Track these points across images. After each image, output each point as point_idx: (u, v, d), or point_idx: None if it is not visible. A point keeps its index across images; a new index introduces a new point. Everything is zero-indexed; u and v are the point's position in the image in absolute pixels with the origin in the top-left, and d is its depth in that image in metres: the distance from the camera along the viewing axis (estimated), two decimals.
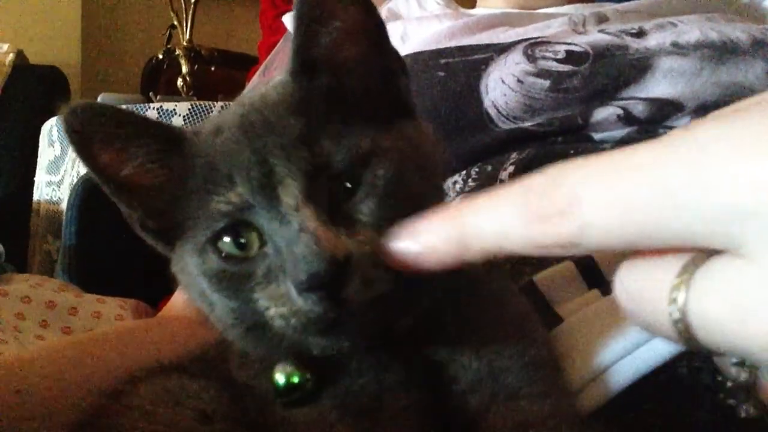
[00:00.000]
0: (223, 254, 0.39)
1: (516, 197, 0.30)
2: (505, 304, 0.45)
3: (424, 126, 0.46)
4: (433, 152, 0.45)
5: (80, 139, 0.41)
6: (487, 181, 0.69)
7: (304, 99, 0.41)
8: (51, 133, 1.98)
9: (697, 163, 0.25)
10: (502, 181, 0.68)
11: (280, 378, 0.40)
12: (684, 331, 0.26)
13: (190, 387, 0.43)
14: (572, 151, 0.68)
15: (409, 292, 0.39)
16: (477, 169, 0.72)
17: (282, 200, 0.37)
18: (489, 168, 0.71)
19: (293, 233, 0.36)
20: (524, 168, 0.68)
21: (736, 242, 0.24)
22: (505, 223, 0.30)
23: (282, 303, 0.37)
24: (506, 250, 0.31)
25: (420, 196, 0.40)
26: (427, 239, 0.34)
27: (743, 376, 0.36)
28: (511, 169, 0.68)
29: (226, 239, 0.39)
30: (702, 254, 0.27)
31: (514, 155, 0.70)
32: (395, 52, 0.45)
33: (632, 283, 0.29)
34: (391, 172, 0.39)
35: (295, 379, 0.40)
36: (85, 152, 0.42)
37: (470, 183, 0.71)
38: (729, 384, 0.44)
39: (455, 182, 0.73)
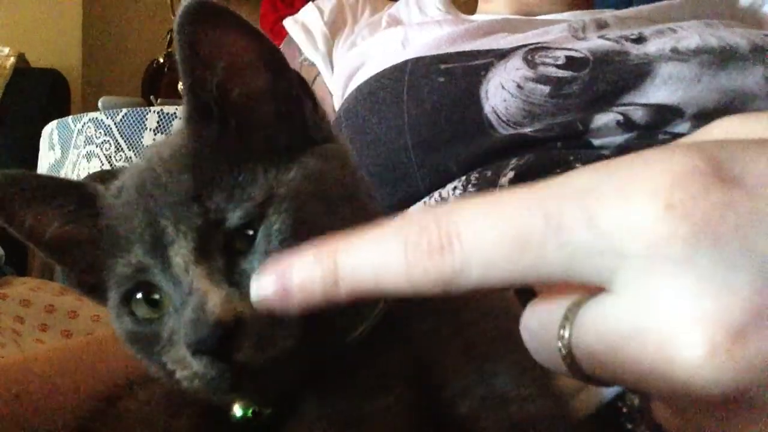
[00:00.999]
0: (136, 315, 0.39)
1: (395, 233, 0.29)
2: (492, 307, 0.44)
3: (339, 150, 0.44)
4: (346, 179, 0.43)
5: (3, 209, 0.42)
6: (486, 187, 0.69)
7: (196, 150, 0.39)
8: (51, 137, 1.98)
9: (575, 204, 0.26)
10: (501, 186, 0.68)
11: (237, 411, 0.40)
12: (572, 365, 0.27)
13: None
14: (572, 157, 0.68)
15: (325, 340, 0.38)
16: (477, 175, 0.72)
17: (173, 260, 0.37)
18: (489, 173, 0.71)
19: (184, 293, 0.36)
20: (524, 174, 0.68)
21: (609, 278, 0.25)
22: (381, 259, 0.29)
23: (183, 366, 0.37)
24: (382, 288, 0.29)
25: (332, 226, 0.37)
26: (294, 275, 0.31)
27: (636, 400, 0.36)
28: (510, 174, 0.68)
29: (139, 297, 0.39)
30: (587, 293, 0.27)
31: (513, 161, 0.70)
32: (296, 77, 0.43)
33: (531, 322, 0.30)
34: (287, 219, 0.37)
35: (251, 412, 0.40)
36: (9, 220, 0.43)
37: (470, 189, 0.71)
38: (624, 409, 0.45)
39: (455, 188, 0.73)
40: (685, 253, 0.24)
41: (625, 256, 0.25)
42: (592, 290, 0.27)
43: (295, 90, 0.43)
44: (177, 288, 0.37)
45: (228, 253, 0.37)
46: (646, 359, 0.25)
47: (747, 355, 0.23)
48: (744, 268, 0.23)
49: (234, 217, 0.37)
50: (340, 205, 0.40)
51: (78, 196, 0.43)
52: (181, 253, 0.37)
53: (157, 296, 0.39)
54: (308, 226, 0.38)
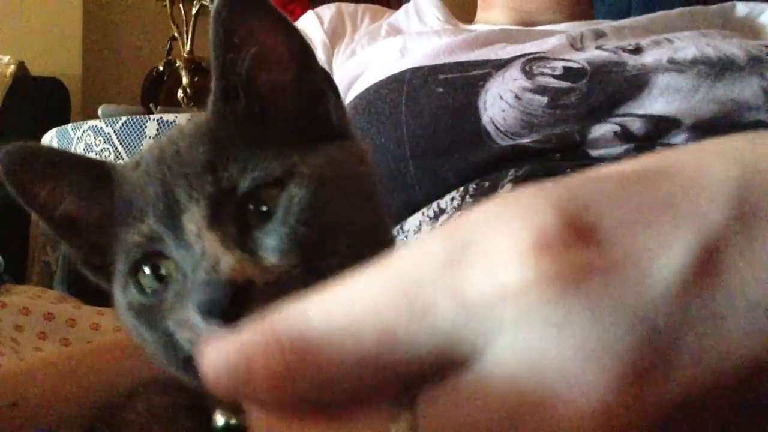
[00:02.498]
0: (143, 287, 0.39)
1: (247, 356, 0.25)
2: None
3: (359, 148, 0.44)
4: (367, 176, 0.43)
5: (16, 179, 0.43)
6: (484, 198, 0.69)
7: (217, 126, 0.40)
8: (51, 144, 1.99)
9: (440, 279, 0.24)
10: None
11: (219, 420, 0.39)
12: None
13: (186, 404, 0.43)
14: (569, 169, 0.68)
15: None
16: (475, 186, 0.72)
17: (185, 227, 0.37)
18: (487, 184, 0.71)
19: (196, 259, 0.36)
20: (522, 183, 0.68)
21: (481, 350, 0.24)
22: (250, 380, 0.25)
23: (187, 328, 0.36)
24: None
25: (347, 223, 0.39)
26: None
27: None
28: (508, 186, 0.69)
29: (146, 271, 0.39)
30: (408, 387, 0.25)
31: (512, 172, 0.70)
32: (322, 72, 0.44)
33: None
34: (308, 196, 0.37)
35: (233, 421, 0.39)
36: (22, 192, 0.43)
37: (468, 200, 0.72)
38: None
39: (453, 199, 0.74)
40: (559, 317, 0.22)
41: (498, 325, 0.23)
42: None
43: (320, 84, 0.44)
44: (189, 254, 0.37)
45: (241, 224, 0.37)
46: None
47: (640, 408, 0.22)
48: (619, 328, 0.22)
49: (247, 185, 0.38)
50: (356, 201, 0.41)
51: (94, 173, 0.43)
52: (194, 219, 0.37)
53: (164, 271, 0.39)
54: (327, 209, 0.38)
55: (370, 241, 0.39)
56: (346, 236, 0.38)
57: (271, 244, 0.36)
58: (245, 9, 0.40)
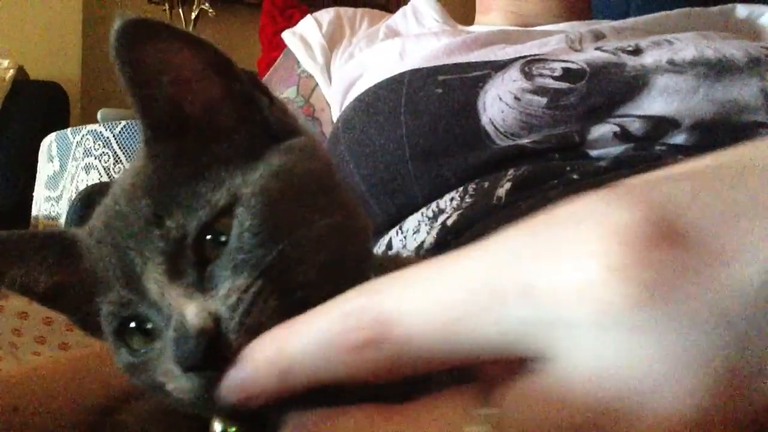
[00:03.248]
0: (132, 347, 0.39)
1: (328, 325, 0.28)
2: None
3: (306, 143, 0.43)
4: (319, 170, 0.42)
5: None
6: (483, 198, 0.70)
7: (155, 172, 0.39)
8: (50, 149, 1.99)
9: (513, 273, 0.24)
10: (499, 197, 0.68)
11: (216, 427, 0.39)
12: None
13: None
14: (569, 168, 0.68)
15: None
16: (474, 186, 0.72)
17: (148, 289, 0.37)
18: (486, 185, 0.71)
19: (166, 316, 0.36)
20: (521, 185, 0.68)
21: (551, 350, 0.24)
22: (324, 352, 0.28)
23: (170, 379, 0.36)
24: (328, 378, 0.28)
25: (305, 226, 0.37)
26: (249, 367, 0.31)
27: None
28: (507, 186, 0.68)
29: (132, 328, 0.39)
30: (489, 385, 0.26)
31: (511, 172, 0.70)
32: (247, 76, 0.42)
33: None
34: (257, 215, 0.36)
35: (232, 429, 0.38)
36: (1, 281, 0.42)
37: (467, 200, 0.71)
38: None
39: (452, 199, 0.73)
40: (641, 319, 0.22)
41: (569, 325, 0.23)
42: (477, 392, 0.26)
43: (248, 89, 0.42)
44: (159, 313, 0.36)
45: (201, 265, 0.36)
46: None
47: (732, 413, 0.21)
48: (707, 330, 0.21)
49: (194, 225, 0.36)
50: (315, 197, 0.39)
51: (58, 246, 0.43)
52: (153, 279, 0.36)
53: (150, 325, 0.38)
54: (281, 221, 0.37)
55: (337, 236, 0.39)
56: (308, 240, 0.37)
57: (226, 273, 0.35)
58: (145, 38, 0.38)
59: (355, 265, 0.39)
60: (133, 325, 0.38)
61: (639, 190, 0.24)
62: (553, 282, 0.23)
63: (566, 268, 0.23)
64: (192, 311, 0.34)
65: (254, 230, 0.36)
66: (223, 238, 0.37)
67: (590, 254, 0.23)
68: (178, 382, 0.36)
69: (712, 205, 0.23)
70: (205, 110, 0.40)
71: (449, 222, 0.70)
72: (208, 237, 0.37)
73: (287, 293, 0.35)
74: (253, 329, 0.33)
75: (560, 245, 0.24)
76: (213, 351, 0.33)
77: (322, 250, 0.37)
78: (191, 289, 0.36)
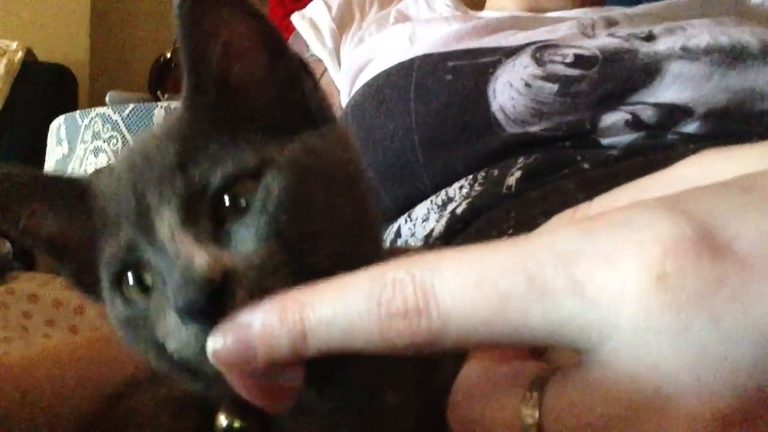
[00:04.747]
0: (129, 298, 0.38)
1: (366, 291, 0.28)
2: None
3: (341, 132, 0.43)
4: (348, 162, 0.41)
5: None
6: (493, 186, 0.69)
7: (189, 122, 0.39)
8: (59, 132, 1.99)
9: (559, 268, 0.25)
10: (509, 186, 0.68)
11: (222, 421, 0.38)
12: None
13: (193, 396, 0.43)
14: (579, 157, 0.67)
15: None
16: (484, 174, 0.72)
17: (158, 230, 0.36)
18: (496, 173, 0.70)
19: (171, 261, 0.34)
20: (531, 173, 0.67)
21: (595, 347, 0.25)
22: (352, 319, 0.28)
23: (173, 336, 0.35)
24: (353, 347, 0.28)
25: (328, 210, 0.37)
26: (255, 330, 0.30)
27: None
28: (518, 174, 0.68)
29: (130, 281, 0.38)
30: (545, 368, 0.27)
31: (521, 160, 0.69)
32: (296, 57, 0.43)
33: (473, 411, 0.28)
34: (286, 185, 0.36)
35: (236, 424, 0.38)
36: (5, 219, 0.42)
37: (476, 188, 0.71)
38: None
39: (461, 187, 0.73)
40: (681, 325, 0.23)
41: (615, 325, 0.24)
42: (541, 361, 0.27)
43: (294, 70, 0.42)
44: (164, 257, 0.35)
45: (217, 220, 0.36)
46: None
47: (751, 421, 0.23)
48: (743, 342, 0.23)
49: (218, 178, 0.36)
50: (339, 188, 0.39)
51: (71, 191, 0.42)
52: (166, 221, 0.35)
53: (148, 278, 0.37)
54: (306, 199, 0.37)
55: (354, 228, 0.38)
56: (329, 224, 0.37)
57: (248, 234, 0.35)
58: (210, 3, 0.38)
59: (365, 257, 0.39)
60: (131, 277, 0.38)
61: (691, 203, 0.25)
62: (603, 284, 0.24)
63: (618, 272, 0.24)
64: (202, 258, 0.33)
65: (282, 198, 0.36)
66: (243, 202, 0.36)
67: (640, 262, 0.24)
68: (177, 336, 0.35)
69: (759, 221, 0.24)
70: (249, 83, 0.40)
71: (458, 210, 0.70)
72: (227, 198, 0.36)
73: (301, 271, 0.34)
74: (262, 294, 0.32)
75: (614, 249, 0.25)
76: (217, 304, 0.32)
77: (340, 238, 0.37)
78: (204, 239, 0.35)
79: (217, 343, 0.31)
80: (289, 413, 0.38)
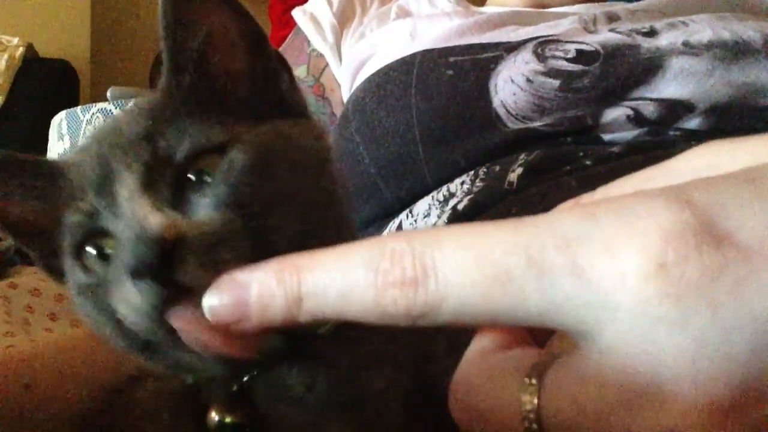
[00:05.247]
0: (88, 268, 0.38)
1: (364, 259, 0.27)
2: None
3: (316, 126, 0.43)
4: (319, 151, 0.42)
5: None
6: (494, 182, 0.69)
7: (164, 101, 0.39)
8: (60, 127, 1.99)
9: (560, 250, 0.25)
10: (510, 183, 0.68)
11: (213, 417, 0.38)
12: None
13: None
14: (581, 153, 0.67)
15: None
16: (485, 170, 0.72)
17: (118, 193, 0.36)
18: (497, 168, 0.70)
19: (127, 222, 0.34)
20: (532, 169, 0.67)
21: (592, 330, 0.25)
22: (349, 285, 0.27)
23: (125, 301, 0.34)
24: (347, 314, 0.28)
25: (293, 190, 0.37)
26: (252, 291, 0.30)
27: None
28: (519, 170, 0.68)
29: (90, 251, 0.38)
30: (546, 356, 0.27)
31: (522, 156, 0.69)
32: (275, 53, 0.44)
33: (473, 398, 0.28)
34: (249, 161, 0.36)
35: (228, 419, 0.38)
36: None
37: (478, 183, 0.71)
38: None
39: (462, 182, 0.73)
40: (680, 314, 0.23)
41: (613, 310, 0.24)
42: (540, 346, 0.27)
43: (274, 64, 0.43)
44: (120, 220, 0.35)
45: (179, 190, 0.36)
46: (638, 425, 0.24)
47: (748, 422, 0.23)
48: (741, 331, 0.23)
49: (184, 148, 0.36)
50: (304, 173, 0.39)
51: (41, 173, 0.42)
52: (125, 184, 0.36)
53: (108, 250, 0.37)
54: (268, 177, 0.37)
55: (316, 211, 0.38)
56: (289, 203, 0.37)
57: (206, 203, 0.35)
58: None
59: (329, 243, 0.39)
60: (91, 250, 0.37)
61: (694, 193, 0.25)
62: (603, 270, 0.24)
63: (619, 259, 0.24)
64: (157, 219, 0.33)
65: (244, 172, 0.36)
66: (207, 179, 0.36)
67: (641, 249, 0.24)
68: (127, 299, 0.34)
69: (761, 212, 0.24)
70: (226, 72, 0.41)
71: (460, 206, 0.70)
72: (192, 171, 0.36)
73: (258, 247, 0.34)
74: (214, 263, 0.32)
75: (616, 235, 0.25)
76: (166, 266, 0.32)
77: (301, 219, 0.37)
78: (162, 204, 0.35)
79: (213, 300, 0.31)
80: (278, 406, 0.39)
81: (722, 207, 0.25)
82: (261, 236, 0.35)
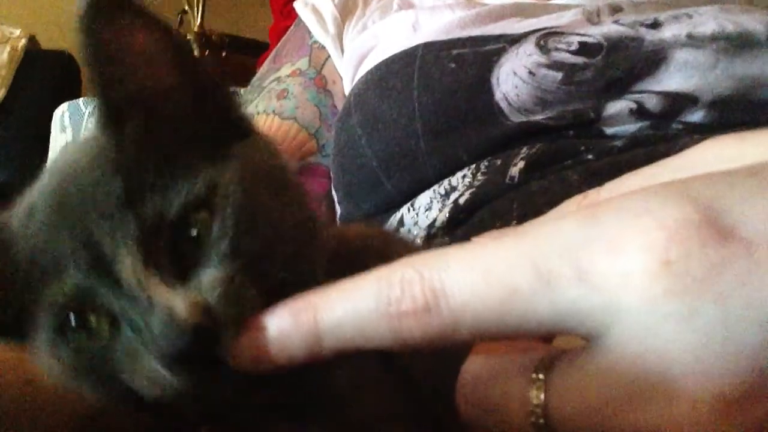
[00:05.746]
0: (74, 348, 0.36)
1: (375, 292, 0.28)
2: None
3: (265, 141, 0.42)
4: (280, 168, 0.41)
5: None
6: (496, 176, 0.69)
7: (118, 153, 0.36)
8: (63, 119, 1.99)
9: (564, 258, 0.25)
10: (512, 177, 0.68)
11: None
12: (546, 431, 0.26)
13: None
14: (583, 147, 0.67)
15: None
16: (486, 164, 0.71)
17: (122, 278, 0.34)
18: (499, 162, 0.70)
19: (144, 310, 0.33)
20: (534, 163, 0.67)
21: (600, 332, 0.25)
22: (363, 319, 0.28)
23: (150, 380, 0.34)
24: (369, 345, 0.29)
25: (275, 220, 0.37)
26: (274, 335, 0.31)
27: None
28: (521, 165, 0.68)
29: (76, 330, 0.36)
30: (553, 352, 0.27)
31: (524, 149, 0.69)
32: (205, 70, 0.41)
33: (480, 392, 0.29)
34: (236, 207, 0.35)
35: None
36: None
37: (479, 177, 0.71)
38: None
39: (464, 176, 0.73)
40: (686, 310, 0.23)
41: (620, 311, 0.24)
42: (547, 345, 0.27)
43: (208, 82, 0.40)
44: (133, 305, 0.33)
45: (175, 256, 0.35)
46: (645, 421, 0.24)
47: (756, 415, 0.23)
48: (748, 325, 0.23)
49: (171, 212, 0.35)
50: (282, 192, 0.39)
51: None
52: (128, 267, 0.34)
53: (93, 325, 0.35)
54: (256, 214, 0.36)
55: (298, 228, 0.39)
56: (278, 231, 0.37)
57: (211, 264, 0.34)
58: (112, 15, 0.36)
59: (312, 255, 0.39)
60: (75, 330, 0.35)
61: (696, 188, 0.25)
62: (607, 269, 0.24)
63: (622, 258, 0.24)
64: (180, 304, 0.32)
65: (234, 220, 0.35)
66: (194, 232, 0.35)
67: (644, 247, 0.24)
68: (155, 379, 0.33)
69: (766, 205, 0.24)
70: (164, 94, 0.38)
71: (461, 200, 0.69)
72: (181, 232, 0.35)
73: (261, 284, 0.34)
74: (237, 321, 0.32)
75: (618, 235, 0.25)
76: (205, 345, 0.32)
77: (291, 242, 0.37)
78: (170, 280, 0.34)
79: (234, 346, 0.32)
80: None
81: (724, 201, 0.25)
82: (262, 277, 0.35)
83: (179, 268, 0.34)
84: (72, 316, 0.35)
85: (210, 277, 0.34)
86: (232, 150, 0.39)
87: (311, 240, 0.40)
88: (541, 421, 0.26)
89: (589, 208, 0.27)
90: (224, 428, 0.39)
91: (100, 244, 0.34)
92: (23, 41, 2.59)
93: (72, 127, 1.95)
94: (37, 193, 0.38)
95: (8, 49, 2.55)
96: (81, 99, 1.98)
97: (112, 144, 0.37)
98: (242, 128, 0.41)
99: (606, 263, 0.25)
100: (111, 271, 0.34)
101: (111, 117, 0.37)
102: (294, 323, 0.30)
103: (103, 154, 0.37)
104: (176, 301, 0.32)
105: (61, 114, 2.00)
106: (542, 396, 0.26)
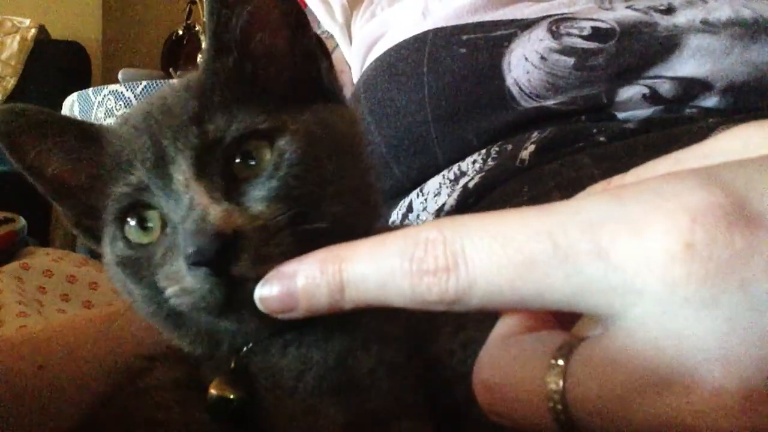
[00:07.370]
0: (130, 239, 0.40)
1: (400, 249, 0.29)
2: None
3: (349, 112, 0.45)
4: (354, 137, 0.44)
5: (8, 141, 0.43)
6: (506, 161, 0.68)
7: (208, 82, 0.41)
8: (72, 108, 1.99)
9: (585, 234, 0.25)
10: (522, 160, 0.67)
11: (213, 393, 0.40)
12: (566, 424, 0.26)
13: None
14: (595, 130, 0.66)
15: None
16: (497, 149, 0.71)
17: (174, 178, 0.38)
18: (509, 147, 0.70)
19: (184, 209, 0.37)
20: (545, 147, 0.66)
21: (619, 313, 0.25)
22: (386, 274, 0.29)
23: (175, 281, 0.37)
24: (386, 302, 0.30)
25: (334, 178, 0.40)
26: (299, 281, 0.32)
27: None
28: (531, 148, 0.67)
29: (131, 223, 0.40)
30: (572, 338, 0.27)
31: (535, 134, 0.68)
32: (315, 36, 0.45)
33: (498, 378, 0.28)
34: (298, 152, 0.39)
35: (227, 395, 0.40)
36: (14, 153, 0.44)
37: (489, 162, 0.70)
38: None
39: (474, 161, 0.72)
40: (708, 296, 0.23)
41: (639, 293, 0.24)
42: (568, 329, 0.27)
43: (313, 48, 0.44)
44: (177, 204, 0.38)
45: (228, 175, 0.38)
46: (665, 408, 0.23)
47: None
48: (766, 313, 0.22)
49: (233, 137, 0.38)
50: (344, 159, 0.41)
51: (83, 134, 0.43)
52: (181, 170, 0.38)
53: (151, 221, 0.40)
54: (315, 166, 0.39)
55: (355, 196, 0.41)
56: (333, 191, 0.39)
57: (259, 195, 0.37)
58: None
59: (362, 227, 0.40)
60: (133, 222, 0.40)
61: (725, 174, 0.25)
62: (629, 250, 0.24)
63: (645, 240, 0.24)
64: (216, 212, 0.36)
65: (293, 164, 0.38)
66: (252, 162, 0.39)
67: (669, 230, 0.24)
68: (178, 279, 0.37)
69: None
70: (268, 51, 0.43)
71: (471, 185, 0.69)
72: (239, 154, 0.39)
73: (303, 234, 0.36)
74: (264, 258, 0.35)
75: (642, 216, 0.25)
76: (224, 257, 0.35)
77: (341, 205, 0.39)
78: (217, 193, 0.37)
79: (264, 291, 0.34)
80: (271, 394, 0.40)
81: (753, 188, 0.24)
82: (303, 226, 0.37)
83: (228, 187, 0.38)
84: (133, 210, 0.40)
85: (258, 208, 0.37)
86: (314, 106, 0.42)
87: (362, 211, 0.42)
88: (559, 407, 0.26)
89: (615, 188, 0.27)
90: (232, 383, 0.41)
91: (164, 148, 0.39)
92: (33, 31, 2.60)
93: (81, 117, 1.96)
94: (137, 106, 0.44)
95: (18, 39, 2.56)
96: (90, 89, 1.98)
97: (205, 73, 0.42)
98: (331, 96, 0.45)
99: (627, 243, 0.24)
100: (167, 173, 0.38)
101: (214, 53, 0.42)
102: (320, 272, 0.31)
103: (193, 80, 0.42)
104: (212, 208, 0.36)
105: (71, 104, 2.00)
106: (561, 382, 0.26)
